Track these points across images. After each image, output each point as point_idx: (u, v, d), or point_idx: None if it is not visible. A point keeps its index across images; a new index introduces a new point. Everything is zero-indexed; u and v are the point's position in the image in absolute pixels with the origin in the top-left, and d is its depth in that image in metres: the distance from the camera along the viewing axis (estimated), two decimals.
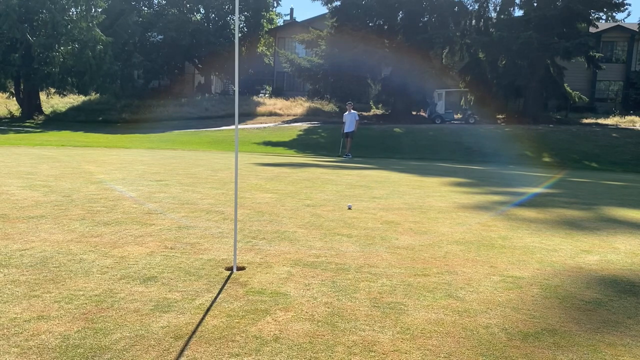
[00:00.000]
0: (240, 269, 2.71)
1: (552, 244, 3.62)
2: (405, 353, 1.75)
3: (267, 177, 7.41)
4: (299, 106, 32.95)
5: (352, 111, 16.96)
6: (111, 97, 31.31)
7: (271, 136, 22.58)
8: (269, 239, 3.45)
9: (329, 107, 32.33)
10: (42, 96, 31.58)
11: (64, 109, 31.28)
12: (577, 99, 28.94)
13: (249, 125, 25.90)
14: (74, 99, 32.32)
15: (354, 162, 13.20)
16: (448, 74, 32.56)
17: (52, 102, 32.03)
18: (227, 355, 1.68)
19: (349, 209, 4.50)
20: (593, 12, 27.07)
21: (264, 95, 41.13)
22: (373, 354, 1.73)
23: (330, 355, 1.71)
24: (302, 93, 36.46)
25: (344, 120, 17.12)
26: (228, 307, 2.13)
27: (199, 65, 39.85)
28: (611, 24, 35.41)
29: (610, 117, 28.81)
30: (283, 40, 43.10)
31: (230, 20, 37.73)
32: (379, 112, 32.58)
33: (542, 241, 3.69)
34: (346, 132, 16.79)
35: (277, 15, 45.33)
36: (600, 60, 29.20)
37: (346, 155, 16.19)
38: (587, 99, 30.69)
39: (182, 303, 2.16)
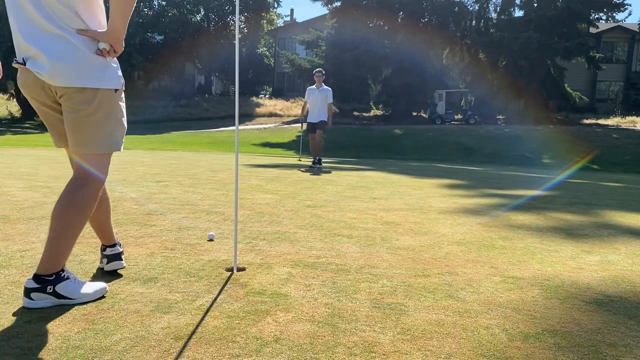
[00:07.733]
0: (240, 269, 2.71)
1: (553, 244, 3.62)
2: (406, 354, 1.75)
3: (268, 178, 7.41)
4: (299, 107, 32.96)
5: (324, 86, 9.62)
6: None
7: (271, 137, 22.59)
8: (269, 239, 3.45)
9: None
10: None
11: None
12: (577, 100, 28.98)
13: (248, 126, 25.90)
14: None
15: (353, 163, 13.11)
16: (448, 75, 32.57)
17: None
18: (227, 356, 1.69)
19: (211, 239, 3.31)
20: (593, 12, 27.12)
21: (264, 96, 41.11)
22: (373, 354, 1.73)
23: (330, 356, 1.71)
24: (302, 94, 36.48)
25: (306, 99, 9.75)
26: (228, 308, 2.13)
27: (199, 66, 39.88)
28: (611, 24, 35.40)
29: (611, 117, 28.83)
30: (283, 41, 43.15)
31: (230, 21, 37.73)
32: (379, 112, 32.60)
33: (542, 242, 3.69)
34: (313, 124, 9.61)
35: (277, 16, 45.35)
36: (601, 61, 29.24)
37: (315, 163, 9.69)
38: (588, 100, 30.73)
39: (183, 304, 2.16)
